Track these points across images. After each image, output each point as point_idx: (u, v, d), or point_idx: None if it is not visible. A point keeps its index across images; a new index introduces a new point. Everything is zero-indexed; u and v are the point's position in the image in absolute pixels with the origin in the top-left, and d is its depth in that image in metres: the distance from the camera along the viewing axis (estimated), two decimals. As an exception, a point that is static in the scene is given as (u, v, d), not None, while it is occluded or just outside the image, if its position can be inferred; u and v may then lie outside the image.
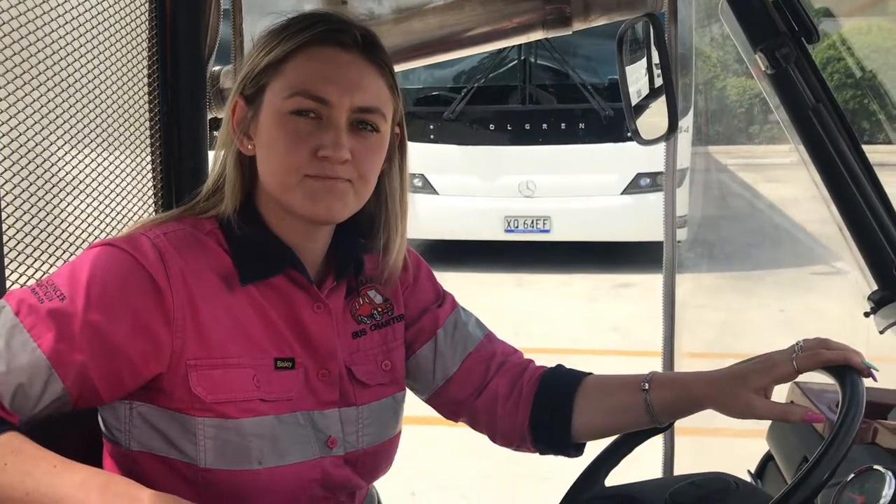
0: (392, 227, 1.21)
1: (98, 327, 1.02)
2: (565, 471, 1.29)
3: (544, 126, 7.50)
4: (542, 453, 1.30)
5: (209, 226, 1.13)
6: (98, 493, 0.93)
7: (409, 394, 1.31)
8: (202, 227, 1.13)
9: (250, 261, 1.12)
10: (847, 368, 1.07)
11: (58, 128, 1.34)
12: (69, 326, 1.01)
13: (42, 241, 1.32)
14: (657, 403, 1.20)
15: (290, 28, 1.12)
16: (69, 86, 1.37)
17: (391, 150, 1.18)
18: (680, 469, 1.97)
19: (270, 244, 1.13)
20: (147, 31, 1.55)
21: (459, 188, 7.57)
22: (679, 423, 1.32)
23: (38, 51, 1.29)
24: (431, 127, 7.66)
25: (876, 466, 1.06)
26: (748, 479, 1.62)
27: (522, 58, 7.35)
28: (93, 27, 1.41)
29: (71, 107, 1.37)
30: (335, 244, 1.19)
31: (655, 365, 2.34)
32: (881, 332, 1.51)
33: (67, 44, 1.35)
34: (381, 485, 1.34)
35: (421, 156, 7.60)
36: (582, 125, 7.44)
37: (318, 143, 1.08)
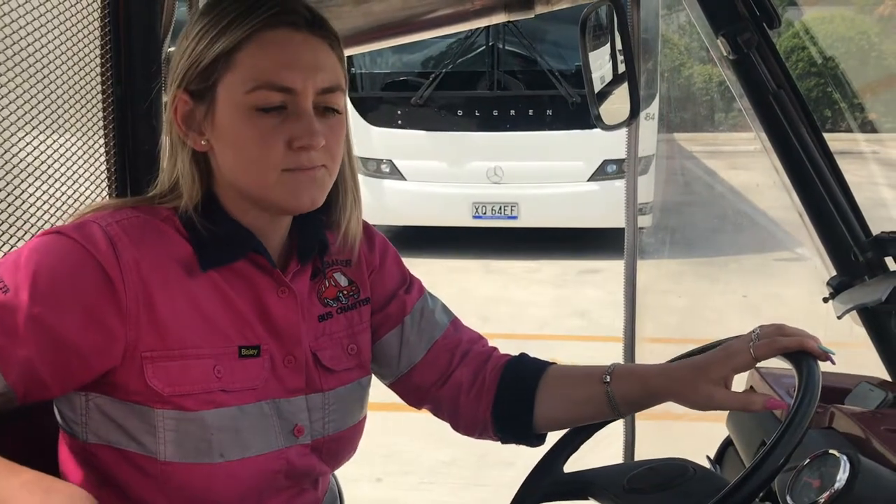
0: (350, 198, 1.18)
1: (45, 321, 0.98)
2: (528, 456, 1.29)
3: (512, 112, 7.50)
4: (503, 442, 1.30)
5: (166, 213, 1.09)
6: (39, 498, 0.88)
7: (374, 380, 1.30)
8: (158, 213, 1.09)
9: (211, 247, 1.08)
10: (804, 354, 1.07)
11: (3, 108, 1.30)
12: (12, 320, 0.97)
13: (-11, 226, 1.28)
14: (619, 396, 1.20)
15: (230, 13, 1.05)
16: (16, 64, 1.32)
17: None
18: (641, 454, 1.98)
19: (232, 230, 1.10)
20: (100, 11, 1.50)
21: (427, 174, 7.55)
22: (640, 409, 1.33)
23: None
24: (399, 112, 7.63)
25: (831, 451, 1.07)
26: (707, 464, 1.63)
27: (490, 43, 7.34)
28: (42, 4, 1.36)
29: (18, 87, 1.33)
30: (297, 226, 1.16)
31: (620, 349, 2.36)
32: (839, 318, 1.53)
33: (13, 20, 1.30)
34: (347, 471, 1.33)
35: (388, 141, 7.59)
36: (549, 111, 7.45)
37: (291, 134, 1.04)
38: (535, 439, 1.28)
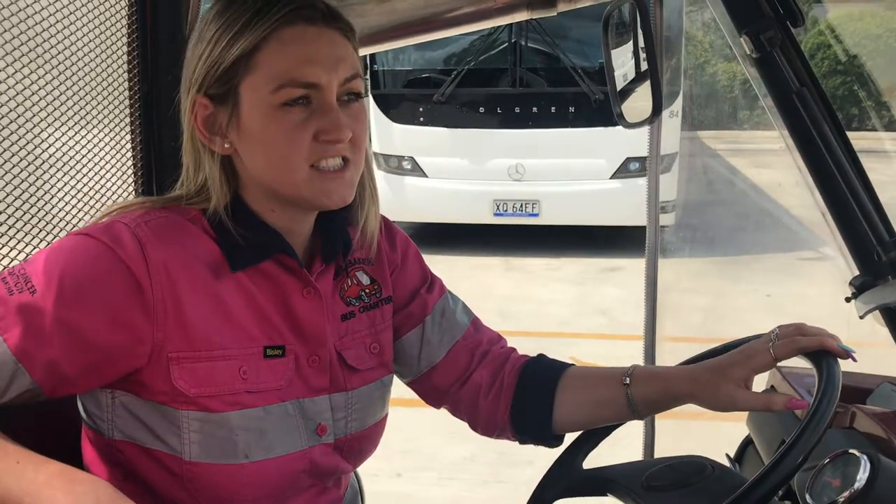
0: (367, 193, 1.19)
1: (70, 323, 0.99)
2: (548, 455, 1.29)
3: (534, 109, 7.48)
4: (521, 443, 1.30)
5: (194, 213, 1.09)
6: (63, 491, 0.90)
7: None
8: (187, 213, 1.09)
9: (239, 247, 1.08)
10: (824, 353, 1.07)
11: (33, 105, 1.32)
12: (39, 322, 0.98)
13: (18, 220, 1.31)
14: (638, 398, 1.20)
15: (246, 13, 1.04)
16: (46, 62, 1.35)
17: None
18: (660, 452, 1.98)
19: (261, 231, 1.10)
20: (127, 9, 1.52)
21: (449, 171, 7.55)
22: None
23: (14, 26, 1.26)
24: (421, 109, 7.63)
25: (852, 450, 1.07)
26: (727, 463, 1.62)
27: (513, 40, 7.32)
28: (71, 2, 1.38)
29: (47, 84, 1.35)
30: (321, 226, 1.16)
31: (640, 348, 2.35)
32: (861, 317, 1.51)
33: (44, 19, 1.33)
34: (367, 466, 1.34)
35: (410, 138, 7.59)
36: (572, 109, 7.42)
37: (318, 127, 1.05)
38: (554, 440, 1.28)
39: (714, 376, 1.13)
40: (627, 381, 1.20)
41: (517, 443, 1.30)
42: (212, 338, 1.05)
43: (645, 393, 1.20)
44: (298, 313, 1.12)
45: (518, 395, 1.26)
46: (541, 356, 1.31)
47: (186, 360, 1.04)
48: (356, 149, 1.09)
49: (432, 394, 1.31)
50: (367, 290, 1.22)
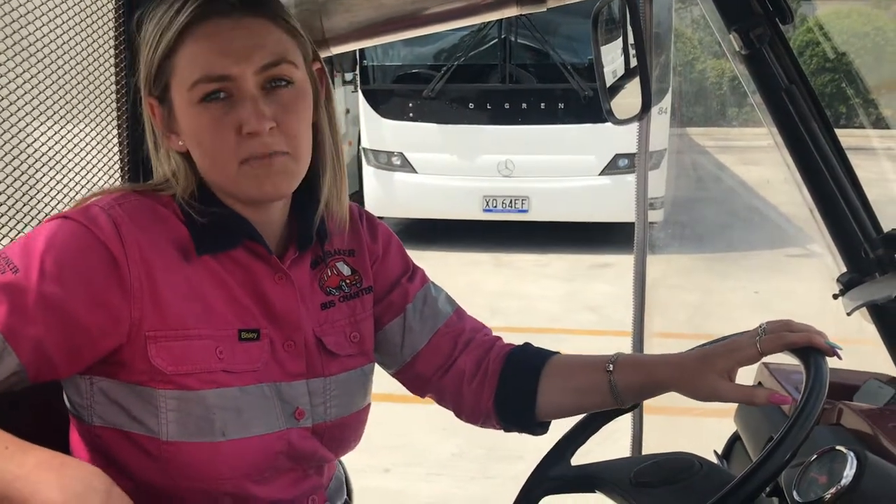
0: (328, 176, 1.18)
1: (53, 300, 1.00)
2: (537, 450, 1.29)
3: (524, 105, 7.48)
4: (506, 430, 1.30)
5: (166, 199, 1.12)
6: (54, 476, 0.91)
7: (380, 370, 1.31)
8: (159, 199, 1.12)
9: (207, 233, 1.10)
10: (811, 350, 1.07)
11: (19, 98, 1.31)
12: (23, 300, 0.99)
13: (3, 215, 1.30)
14: (621, 385, 1.20)
15: (167, 15, 1.07)
16: (31, 55, 1.33)
17: (316, 94, 1.14)
18: (648, 448, 1.99)
19: (227, 217, 1.11)
20: (114, 2, 1.51)
21: (438, 167, 7.54)
22: (648, 403, 1.33)
23: (1, 21, 1.25)
24: (410, 105, 7.62)
25: (839, 447, 1.07)
26: (715, 459, 1.63)
27: (503, 36, 7.32)
28: (58, -4, 1.37)
29: (33, 78, 1.34)
30: (294, 213, 1.17)
31: (629, 344, 2.36)
32: (849, 314, 1.52)
33: (29, 12, 1.32)
34: (355, 460, 1.34)
35: (400, 134, 7.58)
36: (561, 105, 7.43)
37: (238, 120, 1.05)
38: (538, 427, 1.28)
39: (698, 366, 1.14)
40: (611, 368, 1.21)
41: (502, 430, 1.30)
42: (186, 318, 1.07)
43: (628, 380, 1.20)
44: (271, 298, 1.13)
45: (502, 382, 1.26)
46: (526, 344, 1.32)
47: (163, 339, 1.06)
48: (289, 138, 1.08)
49: (417, 382, 1.32)
50: (348, 281, 1.23)
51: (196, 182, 1.12)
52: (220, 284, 1.11)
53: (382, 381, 1.31)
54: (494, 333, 1.36)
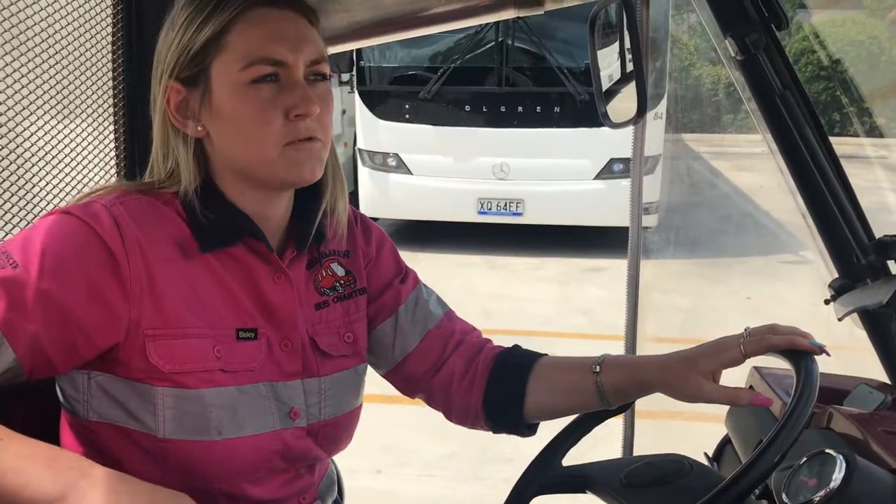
0: (336, 181, 1.21)
1: (52, 296, 1.00)
2: (528, 452, 1.30)
3: (520, 109, 7.49)
4: (495, 432, 1.31)
5: (167, 196, 1.12)
6: (47, 467, 0.91)
7: (371, 372, 1.31)
8: (161, 196, 1.12)
9: (209, 229, 1.10)
10: (801, 353, 1.08)
11: (15, 93, 1.31)
12: (21, 295, 0.99)
13: (-1, 209, 1.30)
14: (607, 386, 1.21)
15: (212, 1, 1.08)
16: (29, 49, 1.33)
17: None
18: (639, 450, 1.99)
19: (230, 214, 1.12)
20: (112, -2, 1.51)
21: (433, 169, 7.55)
22: (640, 407, 1.33)
23: (-3, 13, 1.25)
24: (406, 106, 7.62)
25: (828, 450, 1.08)
26: (705, 461, 1.64)
27: (500, 39, 7.32)
28: (55, -9, 1.37)
29: (31, 72, 1.34)
30: (296, 213, 1.18)
31: (622, 348, 2.37)
32: (840, 320, 1.53)
33: (27, 5, 1.32)
34: (347, 461, 1.34)
35: (395, 135, 7.58)
36: (557, 109, 7.44)
37: (287, 103, 1.07)
38: (526, 429, 1.29)
39: (682, 366, 1.15)
40: (597, 370, 1.22)
41: (491, 432, 1.31)
42: (184, 316, 1.07)
43: (614, 381, 1.21)
44: (269, 297, 1.14)
45: (491, 384, 1.27)
46: (515, 346, 1.33)
47: (161, 337, 1.06)
48: (324, 128, 1.12)
49: (407, 383, 1.32)
50: (342, 281, 1.24)
51: (203, 177, 1.12)
52: (219, 282, 1.11)
53: (374, 382, 1.31)
54: (486, 336, 1.36)
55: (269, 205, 1.15)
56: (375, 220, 1.32)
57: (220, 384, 1.08)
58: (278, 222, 1.17)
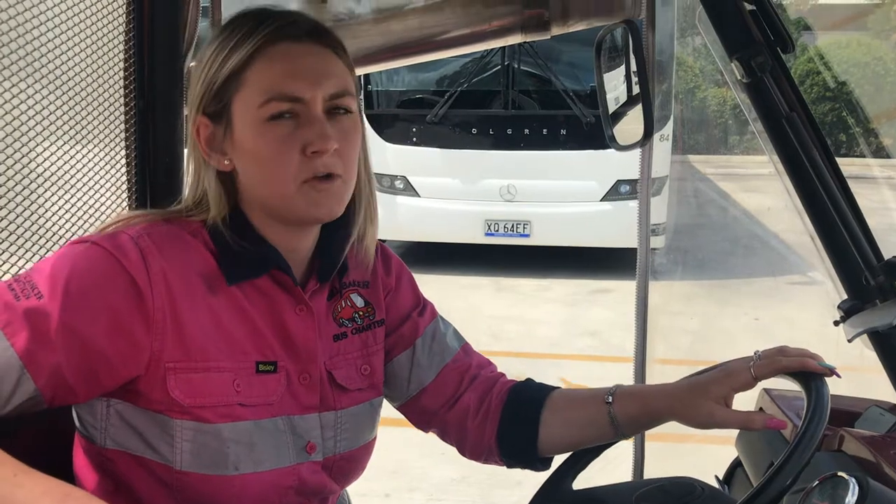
0: (363, 213, 1.20)
1: (75, 328, 1.00)
2: (537, 477, 1.29)
3: (526, 131, 7.52)
4: (509, 467, 1.30)
5: (195, 225, 1.12)
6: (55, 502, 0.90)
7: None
8: (188, 226, 1.11)
9: (235, 262, 1.10)
10: (812, 375, 1.07)
11: (30, 118, 1.32)
12: (45, 326, 0.99)
13: (12, 234, 1.30)
14: (621, 416, 1.21)
15: (235, 34, 1.09)
16: (43, 75, 1.35)
17: (362, 128, 1.17)
18: (650, 473, 1.97)
19: (256, 245, 1.11)
20: (124, 25, 1.53)
21: (440, 191, 7.57)
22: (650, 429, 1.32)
23: (12, 41, 1.27)
24: (414, 129, 7.66)
25: (840, 473, 1.07)
26: (716, 484, 1.63)
27: (506, 63, 7.37)
28: (69, 19, 1.39)
29: (44, 98, 1.36)
30: (321, 244, 1.18)
31: (630, 370, 2.35)
32: (849, 341, 1.52)
33: (42, 35, 1.33)
34: (356, 486, 1.34)
35: (403, 158, 7.62)
36: (563, 131, 7.47)
37: (304, 140, 1.07)
38: (540, 464, 1.28)
39: (693, 394, 1.14)
40: (610, 400, 1.21)
41: (505, 466, 1.30)
42: (207, 349, 1.07)
43: (627, 411, 1.20)
44: (290, 330, 1.13)
45: (504, 418, 1.26)
46: (528, 380, 1.32)
47: (182, 371, 1.05)
48: (345, 164, 1.10)
49: (421, 417, 1.31)
50: (361, 313, 1.23)
51: (230, 207, 1.12)
52: (242, 314, 1.10)
53: (384, 406, 1.31)
54: (495, 363, 1.35)
55: (296, 238, 1.15)
56: (383, 241, 1.32)
57: (238, 418, 1.07)
58: (304, 254, 1.17)
